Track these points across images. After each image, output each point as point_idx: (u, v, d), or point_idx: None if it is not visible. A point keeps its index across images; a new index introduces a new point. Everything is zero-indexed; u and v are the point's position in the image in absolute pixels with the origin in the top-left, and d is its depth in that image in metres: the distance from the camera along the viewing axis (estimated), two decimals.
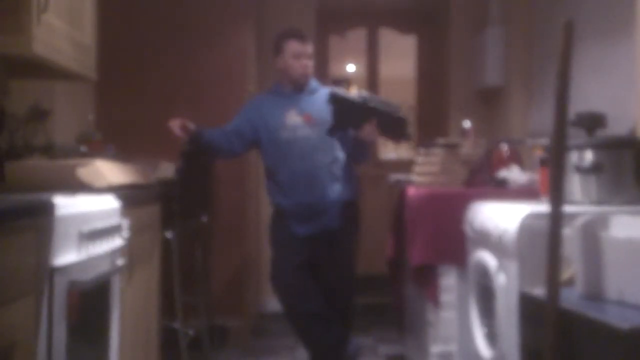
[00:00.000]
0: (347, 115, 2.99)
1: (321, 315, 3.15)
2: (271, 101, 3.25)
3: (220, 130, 3.24)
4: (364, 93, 3.07)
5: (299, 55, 3.16)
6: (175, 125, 3.04)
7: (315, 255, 3.18)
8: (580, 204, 2.41)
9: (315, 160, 3.12)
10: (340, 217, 3.15)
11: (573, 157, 2.43)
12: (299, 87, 3.22)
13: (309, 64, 3.19)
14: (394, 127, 3.01)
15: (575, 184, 2.45)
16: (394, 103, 3.05)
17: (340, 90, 3.06)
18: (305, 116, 3.16)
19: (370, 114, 2.97)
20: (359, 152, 3.16)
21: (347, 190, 3.19)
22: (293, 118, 3.17)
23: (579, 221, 1.81)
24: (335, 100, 2.98)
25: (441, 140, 3.27)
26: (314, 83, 3.27)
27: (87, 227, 1.83)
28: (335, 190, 3.14)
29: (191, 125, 3.08)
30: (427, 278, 2.96)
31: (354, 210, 3.26)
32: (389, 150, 8.77)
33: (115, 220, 2.10)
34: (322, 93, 3.22)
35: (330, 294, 3.20)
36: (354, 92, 3.11)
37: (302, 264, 3.16)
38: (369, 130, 2.97)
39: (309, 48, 3.19)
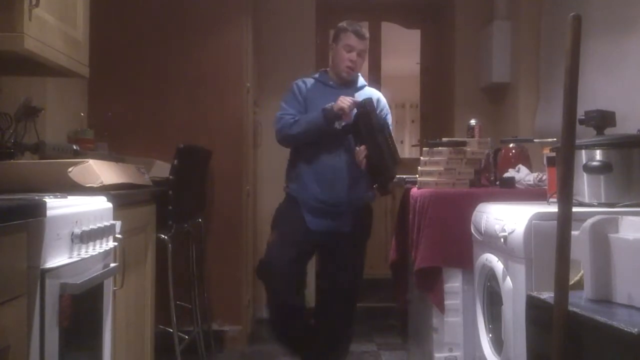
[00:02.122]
0: (359, 127, 3.01)
1: (302, 313, 3.14)
2: (314, 89, 3.23)
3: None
4: (388, 125, 3.09)
5: (350, 48, 3.15)
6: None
7: (322, 250, 3.21)
8: (589, 204, 2.37)
9: (341, 159, 3.10)
10: (353, 221, 3.14)
11: (582, 157, 2.39)
12: (342, 81, 3.21)
13: (358, 61, 3.18)
14: (378, 172, 3.04)
15: (583, 184, 2.41)
16: (397, 157, 3.07)
17: (371, 104, 3.02)
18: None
19: (371, 141, 2.96)
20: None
21: (365, 193, 3.18)
22: None
23: (588, 222, 1.78)
24: (361, 108, 2.99)
25: (446, 139, 3.23)
26: (362, 81, 3.29)
27: (79, 229, 1.80)
28: (354, 192, 3.12)
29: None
30: (431, 282, 2.92)
31: (368, 214, 3.25)
32: None
33: (108, 221, 2.06)
34: (367, 92, 3.23)
35: (331, 295, 3.21)
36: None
37: (302, 255, 3.13)
38: (360, 154, 2.97)
39: (363, 45, 3.19)
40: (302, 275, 3.16)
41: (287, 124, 3.12)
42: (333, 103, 3.02)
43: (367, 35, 3.24)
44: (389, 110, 3.29)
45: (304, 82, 3.26)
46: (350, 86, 3.22)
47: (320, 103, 3.08)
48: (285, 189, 3.27)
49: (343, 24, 3.23)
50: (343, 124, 3.06)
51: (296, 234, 3.12)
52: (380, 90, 3.38)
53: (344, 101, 2.99)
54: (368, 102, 3.01)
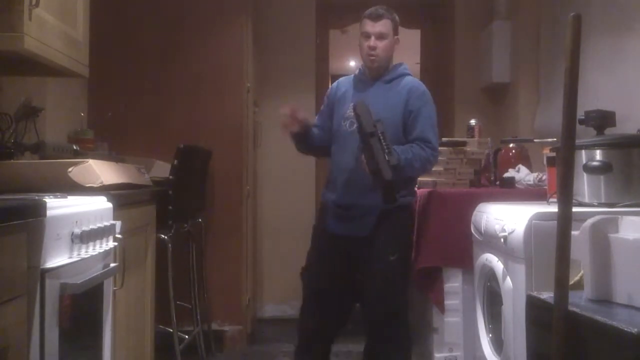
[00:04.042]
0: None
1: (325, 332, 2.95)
2: (347, 86, 2.97)
3: (318, 129, 2.98)
4: (381, 127, 2.59)
5: (367, 34, 2.85)
6: (286, 112, 2.78)
7: (350, 259, 2.88)
8: (589, 204, 2.37)
9: (355, 160, 2.76)
10: (375, 225, 2.79)
11: (582, 157, 2.39)
12: (373, 73, 2.90)
13: (379, 44, 2.83)
14: (377, 178, 2.60)
15: (583, 184, 2.41)
16: (392, 161, 2.54)
17: (363, 108, 2.63)
18: None
19: (365, 146, 2.62)
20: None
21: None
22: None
23: (588, 222, 1.77)
24: (354, 111, 2.70)
25: (446, 139, 3.23)
26: (398, 70, 2.93)
27: (79, 229, 1.79)
28: (372, 194, 2.70)
29: (301, 116, 2.82)
30: (431, 281, 2.92)
31: (394, 217, 2.82)
32: None
33: (108, 221, 2.05)
34: (400, 84, 2.88)
35: (365, 308, 2.89)
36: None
37: (335, 270, 2.91)
38: (362, 160, 2.66)
39: (380, 27, 2.84)
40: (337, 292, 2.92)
41: None
42: (351, 120, 2.79)
43: (387, 15, 2.88)
44: (427, 102, 2.86)
45: (338, 83, 3.04)
46: (381, 77, 2.89)
47: (347, 103, 2.88)
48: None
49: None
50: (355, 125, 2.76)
51: (323, 247, 2.95)
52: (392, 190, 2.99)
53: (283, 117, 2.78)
54: (358, 105, 2.66)
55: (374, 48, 2.83)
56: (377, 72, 2.89)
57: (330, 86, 3.15)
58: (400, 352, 2.86)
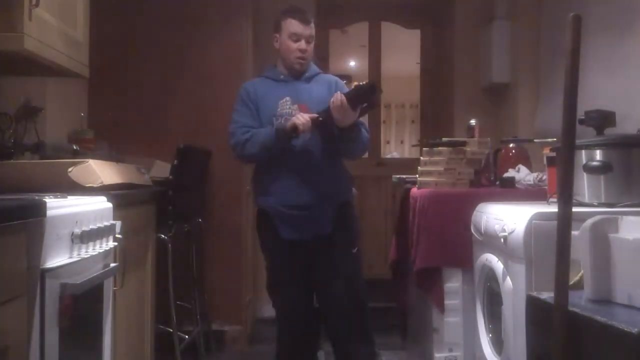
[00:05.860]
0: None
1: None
2: (264, 86, 2.94)
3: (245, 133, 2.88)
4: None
5: (297, 36, 2.87)
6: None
7: (309, 264, 2.89)
8: (589, 204, 2.37)
9: (306, 156, 2.79)
10: (333, 221, 2.83)
11: (582, 157, 2.39)
12: (295, 73, 2.93)
13: (308, 48, 2.89)
14: (364, 98, 2.70)
15: (583, 184, 2.41)
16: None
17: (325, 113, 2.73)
18: (301, 106, 2.82)
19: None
20: (347, 142, 2.80)
21: (342, 190, 2.92)
22: (286, 107, 2.84)
23: (588, 222, 1.78)
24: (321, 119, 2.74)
25: (446, 139, 3.23)
26: (313, 68, 2.99)
27: (79, 229, 1.80)
28: (328, 190, 2.83)
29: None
30: (431, 281, 2.92)
31: (349, 211, 2.94)
32: (392, 150, 8.77)
33: (108, 221, 2.06)
34: (322, 80, 2.96)
35: (335, 312, 2.91)
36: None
37: (299, 278, 2.90)
38: (337, 104, 2.64)
39: (310, 30, 2.90)
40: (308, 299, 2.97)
41: (240, 143, 2.83)
42: (286, 117, 2.78)
43: (312, 18, 2.94)
44: None
45: (253, 84, 3.00)
46: (302, 77, 2.93)
47: (272, 102, 2.85)
48: (255, 204, 3.03)
49: (280, 10, 2.98)
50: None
51: (280, 255, 2.90)
52: (380, 90, 3.05)
53: (300, 119, 2.70)
54: (322, 114, 2.72)
55: (305, 51, 2.89)
56: (299, 72, 2.94)
57: (244, 86, 3.02)
58: (372, 344, 2.95)
